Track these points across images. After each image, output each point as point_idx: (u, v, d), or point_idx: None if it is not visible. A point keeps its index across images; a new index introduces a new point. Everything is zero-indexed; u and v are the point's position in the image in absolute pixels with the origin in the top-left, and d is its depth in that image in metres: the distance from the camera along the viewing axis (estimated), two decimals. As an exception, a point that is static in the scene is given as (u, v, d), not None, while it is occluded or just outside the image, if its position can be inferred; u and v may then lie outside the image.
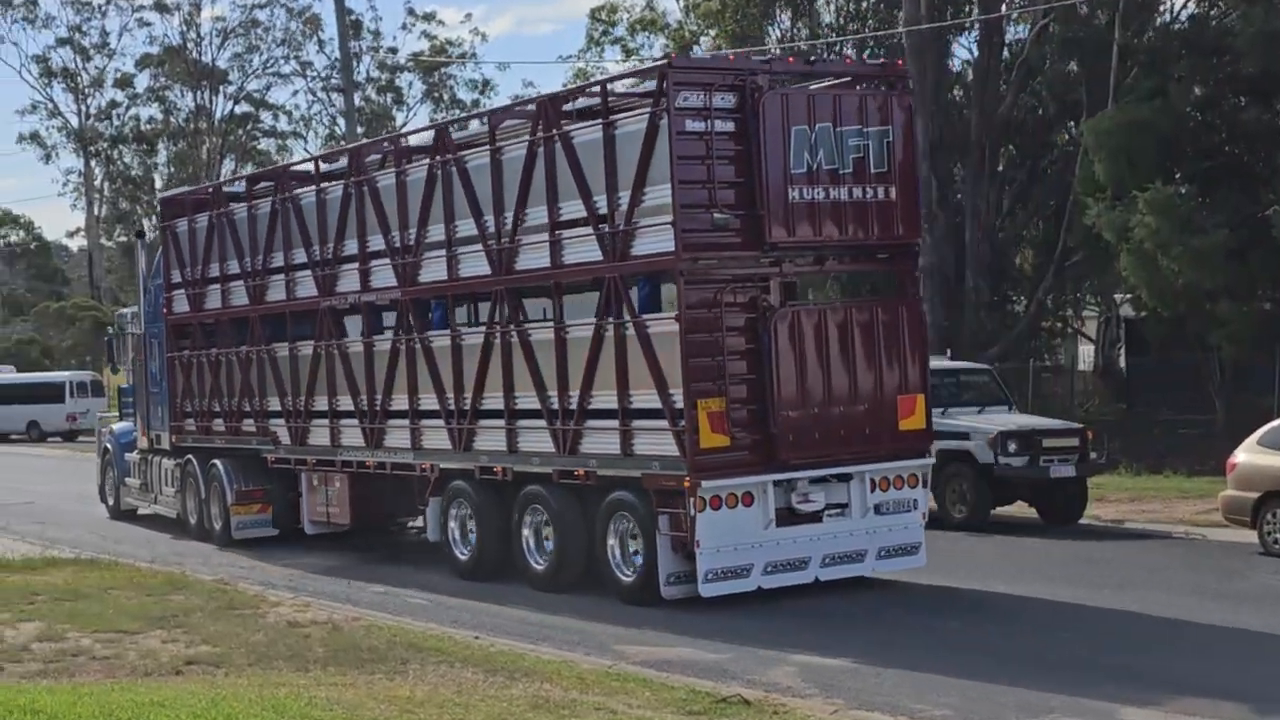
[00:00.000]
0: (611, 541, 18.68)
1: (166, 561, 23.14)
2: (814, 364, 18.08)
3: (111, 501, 31.17)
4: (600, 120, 18.38)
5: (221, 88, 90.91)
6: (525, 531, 19.91)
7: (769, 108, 17.67)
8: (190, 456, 27.20)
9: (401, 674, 14.01)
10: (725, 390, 17.59)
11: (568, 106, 19.36)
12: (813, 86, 18.78)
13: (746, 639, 15.96)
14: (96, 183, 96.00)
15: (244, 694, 12.48)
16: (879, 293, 23.35)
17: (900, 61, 24.33)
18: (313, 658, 14.85)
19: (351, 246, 22.87)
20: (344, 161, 23.63)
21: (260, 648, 15.37)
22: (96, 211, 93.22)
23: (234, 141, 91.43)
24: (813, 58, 21.28)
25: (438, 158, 20.96)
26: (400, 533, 26.01)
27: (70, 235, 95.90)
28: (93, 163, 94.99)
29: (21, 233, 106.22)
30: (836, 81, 18.94)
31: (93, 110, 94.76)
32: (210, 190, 28.31)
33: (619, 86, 19.01)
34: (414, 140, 22.85)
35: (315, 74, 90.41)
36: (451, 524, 21.21)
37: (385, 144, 24.29)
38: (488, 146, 20.26)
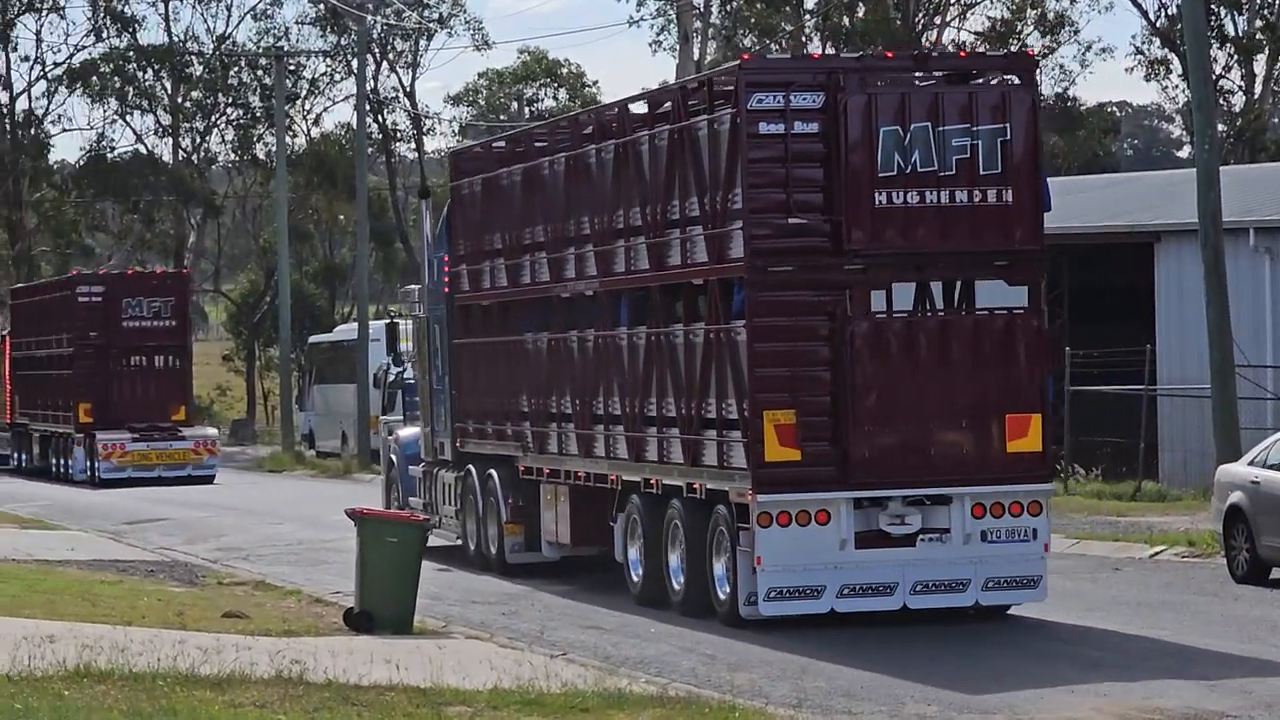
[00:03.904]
0: (716, 561, 18.01)
1: (825, 709, 14.07)
2: (902, 378, 17.17)
3: None
4: (706, 116, 17.95)
5: None
6: (672, 554, 18.93)
7: (852, 108, 16.92)
8: (470, 467, 23.29)
9: None
10: (798, 402, 16.87)
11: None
12: (918, 83, 17.72)
13: None
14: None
15: None
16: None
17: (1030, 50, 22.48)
18: None
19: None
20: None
21: None
22: (697, 54, 53.59)
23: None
24: (917, 52, 20.06)
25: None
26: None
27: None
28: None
29: (563, 92, 72.53)
30: (945, 75, 17.81)
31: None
32: (488, 145, 25.56)
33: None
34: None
35: None
36: (630, 547, 19.80)
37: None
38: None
